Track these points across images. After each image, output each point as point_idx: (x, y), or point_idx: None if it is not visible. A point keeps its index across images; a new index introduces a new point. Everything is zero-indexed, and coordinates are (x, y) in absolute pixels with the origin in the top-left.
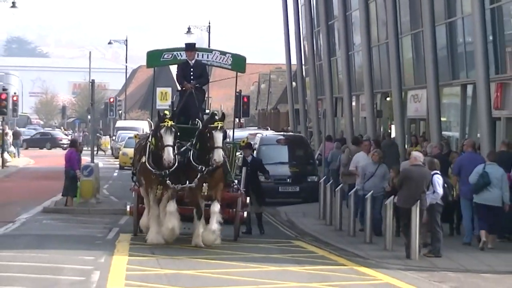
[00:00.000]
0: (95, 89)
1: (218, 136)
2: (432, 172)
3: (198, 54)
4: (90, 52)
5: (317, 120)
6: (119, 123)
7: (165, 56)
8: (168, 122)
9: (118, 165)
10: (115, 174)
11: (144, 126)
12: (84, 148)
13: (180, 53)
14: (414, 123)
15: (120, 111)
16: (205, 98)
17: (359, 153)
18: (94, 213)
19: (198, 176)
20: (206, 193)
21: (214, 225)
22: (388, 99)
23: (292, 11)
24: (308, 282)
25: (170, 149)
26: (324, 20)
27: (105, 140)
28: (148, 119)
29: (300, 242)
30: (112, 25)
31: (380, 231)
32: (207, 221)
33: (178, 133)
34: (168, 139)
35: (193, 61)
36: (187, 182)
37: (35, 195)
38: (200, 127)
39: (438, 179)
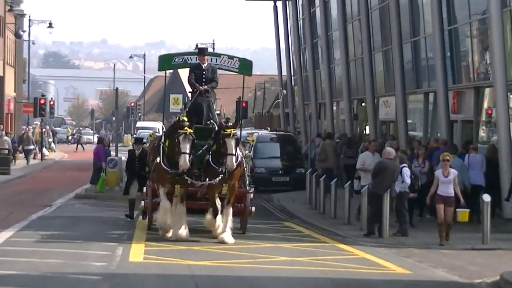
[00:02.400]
0: (119, 96)
1: (230, 143)
2: (401, 165)
3: (207, 58)
4: (114, 65)
5: (304, 121)
6: (139, 124)
7: (176, 60)
8: (187, 129)
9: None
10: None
11: (159, 126)
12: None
13: (190, 57)
14: (385, 125)
15: (139, 114)
16: (216, 100)
17: (365, 152)
18: (118, 199)
19: (221, 177)
20: (224, 192)
21: (229, 228)
22: (363, 104)
23: (283, 31)
24: (297, 256)
25: (187, 156)
26: (310, 39)
27: (127, 138)
28: (160, 121)
29: (290, 223)
30: (132, 42)
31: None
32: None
33: (195, 141)
34: (185, 147)
35: (205, 65)
36: (207, 179)
37: (69, 184)
38: (216, 130)
39: (406, 171)
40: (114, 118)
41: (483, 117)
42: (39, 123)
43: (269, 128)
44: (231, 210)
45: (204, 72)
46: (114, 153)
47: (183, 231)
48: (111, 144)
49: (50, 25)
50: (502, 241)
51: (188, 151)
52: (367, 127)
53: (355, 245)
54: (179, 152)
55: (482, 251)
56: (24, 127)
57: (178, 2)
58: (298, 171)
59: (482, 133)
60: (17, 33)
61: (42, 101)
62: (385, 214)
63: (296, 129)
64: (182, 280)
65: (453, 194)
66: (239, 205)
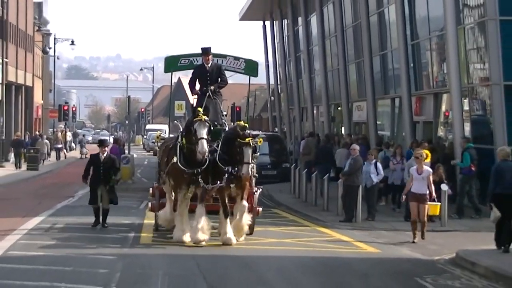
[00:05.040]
0: (131, 102)
1: (247, 153)
2: (374, 161)
3: (213, 59)
4: (127, 76)
5: (289, 123)
6: (148, 126)
7: (182, 62)
8: (202, 117)
9: (147, 156)
10: (145, 162)
11: (165, 128)
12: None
13: (196, 59)
14: (358, 126)
15: (148, 118)
16: (222, 101)
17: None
18: (130, 190)
19: (226, 176)
20: (232, 194)
21: (244, 221)
22: (339, 108)
23: (271, 46)
24: (283, 238)
25: (204, 141)
26: (293, 53)
27: (138, 138)
28: (176, 121)
29: (277, 210)
30: (142, 57)
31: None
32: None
33: (212, 128)
34: (202, 132)
35: (209, 65)
36: (218, 182)
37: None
38: (227, 133)
39: (379, 165)
40: (127, 122)
41: (441, 119)
42: (63, 126)
43: (276, 129)
44: (246, 205)
45: (208, 73)
46: (127, 151)
47: (203, 235)
48: (125, 144)
49: (72, 43)
50: (457, 224)
51: (205, 136)
52: (343, 128)
53: (332, 228)
54: (196, 139)
55: (440, 232)
56: (55, 130)
57: (181, 23)
58: (284, 166)
59: (440, 132)
60: (44, 50)
61: (65, 108)
62: (359, 202)
63: (282, 130)
64: (185, 259)
65: (426, 192)
66: None
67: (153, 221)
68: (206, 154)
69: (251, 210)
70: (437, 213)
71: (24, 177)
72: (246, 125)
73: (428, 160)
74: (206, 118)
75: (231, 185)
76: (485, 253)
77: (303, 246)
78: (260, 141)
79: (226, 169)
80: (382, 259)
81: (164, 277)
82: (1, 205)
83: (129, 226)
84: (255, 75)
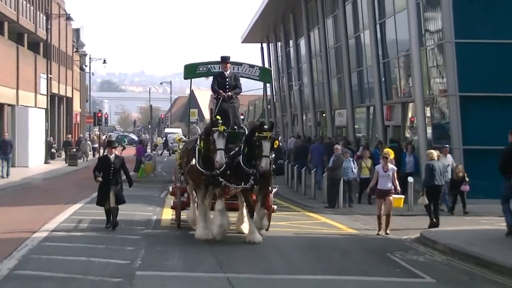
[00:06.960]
0: (153, 110)
1: (267, 146)
2: (350, 158)
3: (230, 67)
4: (149, 89)
5: (283, 127)
6: (167, 130)
7: (200, 69)
8: (221, 127)
9: (167, 154)
10: (165, 159)
11: (180, 132)
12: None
13: (213, 66)
14: (339, 129)
15: (167, 123)
16: (239, 106)
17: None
18: (152, 182)
19: (253, 178)
20: (256, 194)
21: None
22: (324, 115)
23: (267, 64)
24: (278, 221)
25: (222, 152)
26: (286, 68)
27: (158, 139)
28: (194, 125)
29: (274, 199)
30: (162, 73)
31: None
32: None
33: (227, 139)
34: (221, 143)
35: (227, 72)
36: (242, 183)
37: None
38: (247, 133)
39: (355, 163)
40: (149, 126)
41: (408, 123)
42: (97, 130)
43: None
44: (264, 211)
45: (227, 80)
46: (149, 150)
47: (223, 229)
48: (148, 144)
49: (104, 62)
50: (420, 209)
51: (223, 147)
52: (327, 131)
53: (318, 213)
54: (214, 149)
55: (407, 216)
56: (92, 133)
57: (194, 45)
58: (279, 162)
59: (407, 134)
60: (81, 67)
61: (99, 115)
62: (341, 192)
63: (277, 132)
64: (198, 239)
65: (390, 187)
66: None
67: (171, 211)
68: (223, 164)
69: (267, 208)
70: (401, 206)
71: (65, 172)
72: (263, 120)
73: (392, 157)
74: (225, 128)
75: (255, 186)
76: (443, 233)
77: (294, 228)
78: (276, 143)
79: (251, 171)
80: (359, 238)
81: (180, 253)
82: (46, 194)
83: (152, 212)
84: (269, 81)
